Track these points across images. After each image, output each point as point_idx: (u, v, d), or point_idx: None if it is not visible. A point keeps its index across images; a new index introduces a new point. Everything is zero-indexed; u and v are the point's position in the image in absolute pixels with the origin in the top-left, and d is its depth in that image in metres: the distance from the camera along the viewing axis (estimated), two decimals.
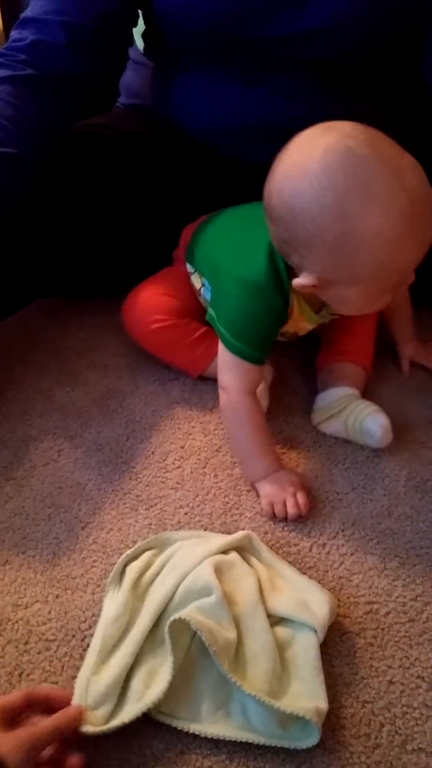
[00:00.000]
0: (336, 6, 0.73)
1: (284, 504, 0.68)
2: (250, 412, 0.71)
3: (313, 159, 0.57)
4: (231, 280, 0.71)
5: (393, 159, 0.57)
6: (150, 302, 0.82)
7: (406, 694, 0.57)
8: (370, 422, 0.73)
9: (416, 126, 0.88)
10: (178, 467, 0.74)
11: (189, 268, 0.83)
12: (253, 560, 0.63)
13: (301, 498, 0.69)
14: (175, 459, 0.75)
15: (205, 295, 0.79)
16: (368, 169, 0.56)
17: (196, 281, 0.81)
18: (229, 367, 0.70)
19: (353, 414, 0.74)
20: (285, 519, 0.69)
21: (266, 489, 0.70)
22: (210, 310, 0.77)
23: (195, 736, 0.53)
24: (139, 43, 0.92)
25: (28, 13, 0.76)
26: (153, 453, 0.75)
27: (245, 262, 0.68)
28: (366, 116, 0.81)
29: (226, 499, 0.71)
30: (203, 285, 0.80)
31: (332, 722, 0.55)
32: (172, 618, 0.54)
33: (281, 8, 0.73)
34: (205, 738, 0.52)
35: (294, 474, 0.72)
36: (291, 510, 0.68)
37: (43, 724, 0.48)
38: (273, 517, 0.69)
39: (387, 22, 0.75)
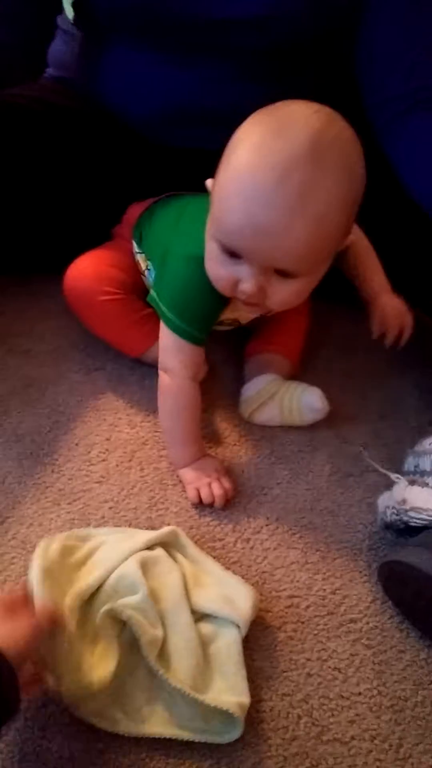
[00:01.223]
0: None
1: (209, 487, 0.68)
2: (191, 398, 0.70)
3: (262, 116, 0.58)
4: (177, 259, 0.69)
5: (296, 128, 0.55)
6: (99, 273, 0.79)
7: (323, 686, 0.58)
8: (308, 395, 0.75)
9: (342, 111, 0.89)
10: (103, 460, 0.72)
11: (136, 247, 0.80)
12: (179, 556, 0.62)
13: (225, 482, 0.69)
14: (99, 452, 0.73)
15: (149, 277, 0.78)
16: (268, 134, 0.55)
17: (142, 262, 0.79)
18: (171, 349, 0.69)
19: (287, 394, 0.75)
20: (211, 504, 0.69)
21: (190, 475, 0.70)
22: (152, 292, 0.75)
23: (116, 735, 0.52)
24: (69, 12, 0.87)
25: None
26: (77, 445, 0.73)
27: (192, 240, 0.66)
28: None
29: (152, 494, 0.70)
30: (148, 268, 0.78)
31: (252, 716, 0.55)
32: (102, 610, 0.53)
33: None
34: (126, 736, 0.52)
35: (216, 460, 0.72)
36: (217, 491, 0.68)
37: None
38: (199, 502, 0.69)
39: (325, 12, 0.75)
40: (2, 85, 0.79)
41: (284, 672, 0.59)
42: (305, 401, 0.75)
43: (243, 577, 0.63)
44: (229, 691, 0.54)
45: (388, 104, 0.77)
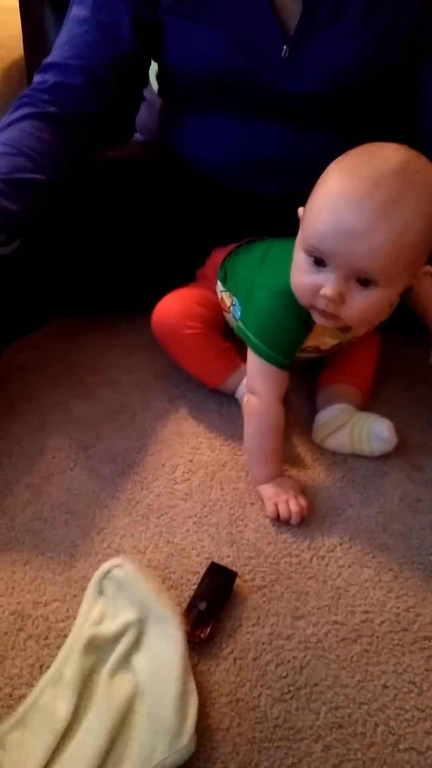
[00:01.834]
0: (322, 73, 0.79)
1: (287, 504, 0.73)
2: (276, 418, 0.76)
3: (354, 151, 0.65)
4: (264, 292, 0.76)
5: (386, 156, 0.62)
6: (185, 310, 0.86)
7: (399, 698, 0.61)
8: (377, 426, 0.78)
9: None
10: (187, 479, 0.78)
11: (221, 286, 0.88)
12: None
13: (302, 500, 0.74)
14: (183, 471, 0.79)
15: (235, 312, 0.85)
16: (358, 161, 0.63)
17: (227, 299, 0.86)
18: (258, 373, 0.76)
19: (358, 423, 0.79)
20: (288, 521, 0.73)
21: (269, 491, 0.75)
22: (239, 324, 0.82)
23: None
24: (154, 84, 0.98)
25: (50, 58, 0.82)
26: (163, 465, 0.79)
27: (277, 276, 0.73)
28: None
29: (232, 511, 0.75)
30: (233, 304, 0.85)
31: (330, 721, 0.59)
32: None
33: (268, 68, 0.80)
34: None
35: (293, 480, 0.77)
36: (294, 508, 0.73)
37: None
38: (277, 518, 0.73)
39: (376, 77, 0.82)
40: (97, 150, 0.89)
41: (360, 682, 0.62)
42: (374, 431, 0.79)
43: (318, 592, 0.67)
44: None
45: None
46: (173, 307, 0.86)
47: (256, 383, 0.76)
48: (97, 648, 0.58)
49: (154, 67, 0.91)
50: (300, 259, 0.67)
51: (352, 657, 0.63)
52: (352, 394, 0.85)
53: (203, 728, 0.57)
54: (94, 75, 0.80)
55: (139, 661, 0.59)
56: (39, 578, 0.67)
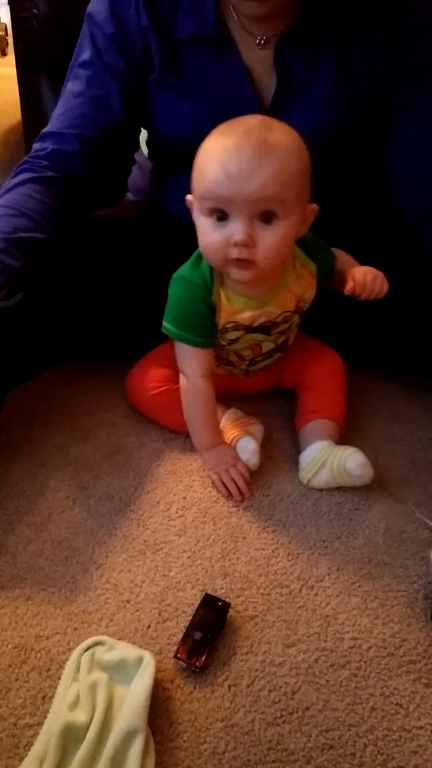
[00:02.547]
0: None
1: (228, 473, 0.84)
2: (204, 394, 0.85)
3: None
4: (172, 285, 0.84)
5: (245, 121, 0.73)
6: (148, 373, 0.93)
7: (387, 719, 0.64)
8: (350, 462, 0.83)
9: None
10: (181, 516, 0.82)
11: None
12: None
13: (241, 467, 0.85)
14: (177, 509, 0.83)
15: None
16: (225, 127, 0.73)
17: None
18: (181, 355, 0.85)
19: (335, 460, 0.84)
20: (230, 494, 0.84)
21: (210, 462, 0.86)
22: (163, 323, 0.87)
23: None
24: (144, 149, 1.06)
25: (47, 128, 0.90)
26: (158, 503, 0.83)
27: (180, 270, 0.83)
28: (338, 203, 0.94)
29: (224, 545, 0.79)
30: None
31: (321, 743, 0.61)
32: None
33: None
34: None
35: (232, 449, 0.87)
36: (237, 477, 0.84)
37: None
38: (223, 487, 0.84)
39: (344, 140, 0.90)
40: (92, 209, 0.96)
41: (350, 705, 0.65)
42: (348, 467, 0.83)
43: (308, 620, 0.71)
44: None
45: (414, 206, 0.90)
46: (136, 375, 0.95)
47: (183, 364, 0.85)
48: (72, 738, 0.58)
49: (144, 134, 0.99)
50: (204, 224, 0.75)
51: (342, 681, 0.66)
52: (327, 427, 0.90)
53: (200, 752, 0.60)
54: (88, 142, 0.88)
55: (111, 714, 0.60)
56: (41, 613, 0.70)
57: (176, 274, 0.83)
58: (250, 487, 0.85)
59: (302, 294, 0.85)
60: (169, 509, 0.83)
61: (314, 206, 0.77)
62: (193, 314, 0.82)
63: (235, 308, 0.82)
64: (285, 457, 0.91)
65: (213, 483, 0.85)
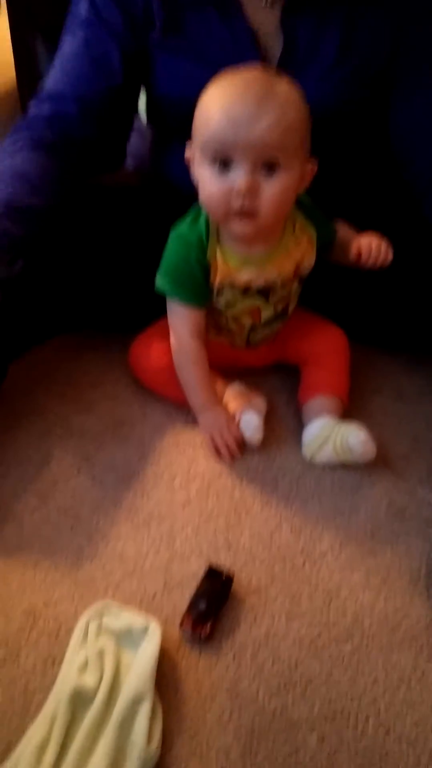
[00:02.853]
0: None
1: (220, 436, 0.85)
2: (194, 354, 0.85)
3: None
4: (170, 241, 0.83)
5: (245, 71, 0.73)
6: (151, 345, 0.92)
7: (389, 692, 0.64)
8: (352, 439, 0.83)
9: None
10: (185, 488, 0.82)
11: None
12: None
13: (234, 430, 0.86)
14: (181, 481, 0.83)
15: None
16: (225, 79, 0.72)
17: None
18: (174, 313, 0.85)
19: (338, 436, 0.84)
20: (222, 453, 0.85)
21: (203, 421, 0.88)
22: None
23: None
24: (143, 114, 1.04)
25: (44, 89, 0.87)
26: (162, 475, 0.83)
27: (178, 226, 0.83)
28: (349, 175, 0.93)
29: (228, 518, 0.79)
30: None
31: (324, 714, 0.62)
32: None
33: None
34: None
35: (228, 412, 0.87)
36: (230, 441, 0.85)
37: None
38: (215, 449, 0.86)
39: (351, 110, 0.88)
40: (91, 175, 0.93)
41: (352, 678, 0.65)
42: (351, 443, 0.83)
43: (311, 595, 0.71)
44: None
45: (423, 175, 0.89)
46: (138, 348, 0.94)
47: (173, 323, 0.86)
48: (81, 701, 0.59)
49: (143, 99, 0.96)
50: (205, 174, 0.73)
51: (344, 655, 0.67)
52: (330, 403, 0.89)
53: (204, 720, 0.61)
54: (87, 105, 0.85)
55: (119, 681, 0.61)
56: (48, 579, 0.70)
57: (174, 231, 0.83)
58: (242, 450, 0.87)
59: (301, 260, 0.84)
60: (173, 481, 0.82)
61: (313, 164, 0.77)
62: (187, 273, 0.82)
63: (231, 267, 0.81)
64: (289, 432, 0.91)
65: (205, 441, 0.87)
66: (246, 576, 0.73)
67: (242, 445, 0.86)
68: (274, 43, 0.84)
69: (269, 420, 0.90)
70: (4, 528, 0.75)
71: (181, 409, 0.92)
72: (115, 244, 0.93)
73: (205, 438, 0.87)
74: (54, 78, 0.87)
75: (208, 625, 0.66)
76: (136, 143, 1.06)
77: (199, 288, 0.83)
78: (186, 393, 0.88)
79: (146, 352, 0.93)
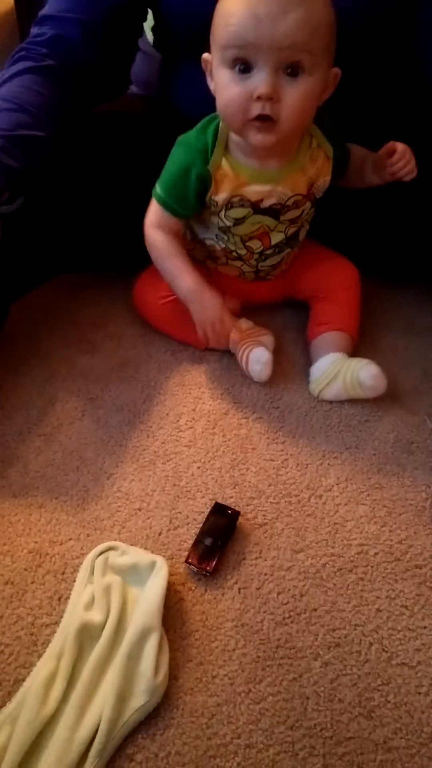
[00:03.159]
0: None
1: (212, 327, 0.85)
2: (164, 242, 0.84)
3: None
4: (176, 148, 0.81)
5: None
6: (156, 282, 0.89)
7: (392, 620, 0.66)
8: (363, 374, 0.82)
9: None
10: (190, 427, 0.82)
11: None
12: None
13: (227, 322, 0.85)
14: (187, 420, 0.82)
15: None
16: None
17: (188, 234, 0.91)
18: (152, 212, 0.84)
19: (348, 372, 0.83)
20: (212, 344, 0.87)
21: (194, 310, 0.85)
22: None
23: None
24: (149, 36, 0.98)
25: (46, 11, 0.82)
26: (167, 414, 0.83)
27: (190, 134, 0.80)
28: (360, 105, 0.88)
29: (234, 456, 0.79)
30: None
31: (328, 641, 0.64)
32: None
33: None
34: None
35: (219, 296, 0.84)
36: (221, 334, 0.85)
37: None
38: (207, 341, 0.86)
39: (373, 21, 0.81)
40: (94, 103, 0.89)
41: (356, 607, 0.66)
42: (362, 377, 0.82)
43: (316, 528, 0.72)
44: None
45: None
46: (144, 284, 0.92)
47: (154, 219, 0.84)
48: (88, 636, 0.60)
49: (149, 20, 0.91)
50: (224, 76, 0.69)
51: (348, 585, 0.68)
52: (340, 339, 0.88)
53: (210, 649, 0.62)
54: (90, 28, 0.80)
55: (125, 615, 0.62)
56: (54, 519, 0.71)
57: (181, 137, 0.80)
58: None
59: (316, 177, 0.81)
60: (178, 420, 0.82)
61: (337, 70, 0.72)
62: (181, 185, 0.80)
63: (242, 180, 0.78)
64: (296, 369, 0.90)
65: (199, 337, 0.86)
66: (252, 511, 0.74)
67: (233, 335, 0.86)
68: None
69: (276, 357, 0.89)
70: (9, 470, 0.76)
71: (187, 348, 0.91)
72: (118, 177, 0.90)
73: (198, 331, 0.86)
74: (56, 0, 0.82)
75: (214, 560, 0.67)
76: (140, 67, 1.00)
77: (189, 202, 0.81)
78: (170, 283, 0.85)
79: (151, 289, 0.91)
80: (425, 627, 0.65)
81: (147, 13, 0.88)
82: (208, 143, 0.77)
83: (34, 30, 0.83)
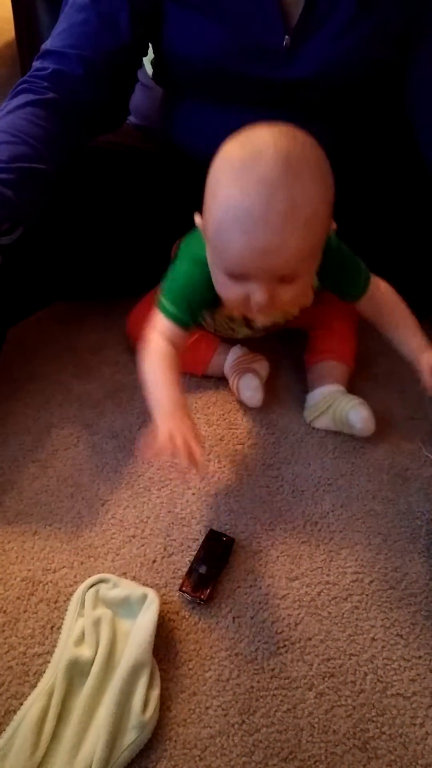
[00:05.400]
0: (320, 62, 0.81)
1: (183, 440, 0.67)
2: (171, 357, 0.74)
3: (233, 151, 0.65)
4: (185, 257, 0.78)
5: (268, 154, 0.61)
6: (149, 313, 0.90)
7: (387, 649, 0.65)
8: (353, 415, 0.82)
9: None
10: None
11: None
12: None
13: (197, 441, 0.68)
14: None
15: None
16: (242, 167, 0.62)
17: None
18: (159, 329, 0.76)
19: (339, 408, 0.83)
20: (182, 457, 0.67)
21: (163, 423, 0.69)
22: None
23: None
24: (149, 69, 1.00)
25: (48, 45, 0.84)
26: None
27: (200, 245, 0.74)
28: (357, 140, 0.89)
29: (229, 482, 0.79)
30: None
31: (322, 671, 0.63)
32: None
33: (267, 58, 0.81)
34: None
35: (192, 421, 0.70)
36: (194, 445, 0.67)
37: None
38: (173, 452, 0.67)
39: (369, 68, 0.84)
40: (93, 136, 0.91)
41: (351, 636, 0.66)
42: (351, 419, 0.82)
43: (311, 555, 0.71)
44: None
45: None
46: (138, 315, 0.90)
47: (155, 325, 0.76)
48: (78, 671, 0.60)
49: (150, 54, 0.93)
50: (221, 278, 0.68)
51: (343, 613, 0.68)
52: (337, 371, 0.89)
53: (204, 679, 0.62)
54: (92, 65, 0.82)
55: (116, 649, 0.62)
56: (47, 547, 0.71)
57: (187, 249, 0.77)
58: (203, 464, 0.70)
59: (295, 311, 0.84)
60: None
61: (334, 226, 0.71)
62: (193, 295, 0.76)
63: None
64: (292, 396, 0.91)
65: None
66: (246, 538, 0.73)
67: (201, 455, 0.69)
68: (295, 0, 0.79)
69: (272, 383, 0.90)
70: (3, 497, 0.76)
71: (181, 376, 0.91)
72: (115, 208, 0.92)
73: (163, 441, 0.67)
74: (58, 33, 0.83)
75: (208, 588, 0.67)
76: (139, 98, 1.02)
77: (196, 316, 0.78)
78: (147, 389, 0.73)
79: (145, 318, 0.92)
80: (420, 656, 0.65)
81: (148, 48, 0.90)
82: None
83: (36, 63, 0.85)
